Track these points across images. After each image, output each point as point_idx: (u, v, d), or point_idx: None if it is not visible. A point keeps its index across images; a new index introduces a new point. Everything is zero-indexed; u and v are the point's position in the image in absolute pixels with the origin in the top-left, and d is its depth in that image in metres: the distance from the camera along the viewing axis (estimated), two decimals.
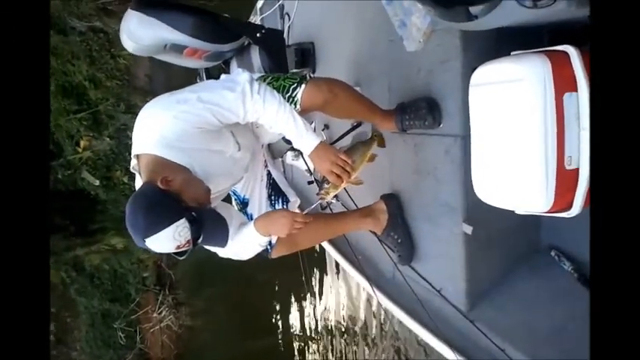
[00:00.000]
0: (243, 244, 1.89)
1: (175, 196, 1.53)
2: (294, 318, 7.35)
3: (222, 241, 1.85)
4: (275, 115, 1.68)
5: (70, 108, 7.95)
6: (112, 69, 8.02)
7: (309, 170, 2.61)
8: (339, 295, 6.05)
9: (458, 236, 1.88)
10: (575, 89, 1.34)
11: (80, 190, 8.57)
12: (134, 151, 1.65)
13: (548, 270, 1.87)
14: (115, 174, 8.56)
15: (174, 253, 1.56)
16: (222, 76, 1.89)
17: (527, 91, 1.35)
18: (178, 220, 1.49)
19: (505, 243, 1.93)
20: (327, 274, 6.13)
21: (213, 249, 1.91)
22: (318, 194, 1.91)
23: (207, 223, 1.60)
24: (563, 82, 1.34)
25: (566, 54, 1.37)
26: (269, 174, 2.19)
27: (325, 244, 2.90)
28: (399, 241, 2.17)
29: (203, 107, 1.61)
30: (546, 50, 1.40)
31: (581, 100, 1.35)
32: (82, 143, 8.26)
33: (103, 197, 8.66)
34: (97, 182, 8.44)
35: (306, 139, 1.73)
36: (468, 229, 1.82)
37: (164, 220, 1.48)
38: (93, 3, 7.28)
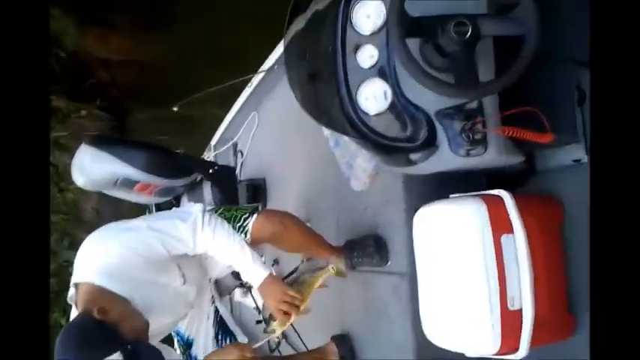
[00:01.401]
0: None
1: (111, 327, 1.45)
2: None
3: None
4: (224, 246, 1.68)
5: None
6: (59, 203, 7.85)
7: (257, 308, 2.53)
8: None
9: None
10: (512, 231, 1.40)
11: None
12: (74, 279, 1.58)
13: None
14: (53, 316, 7.93)
15: None
16: (174, 209, 1.89)
17: (465, 233, 1.40)
18: (111, 354, 1.39)
19: None
20: None
21: None
22: (265, 332, 1.83)
23: (144, 358, 1.49)
24: (500, 225, 1.40)
25: (501, 198, 1.45)
26: (216, 311, 2.11)
27: None
28: None
29: (152, 235, 1.59)
30: (482, 194, 1.47)
31: (518, 241, 1.40)
32: None
33: None
34: None
35: (254, 271, 1.72)
36: None
37: (96, 353, 1.38)
38: None
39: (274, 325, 1.79)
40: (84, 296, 1.52)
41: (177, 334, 2.00)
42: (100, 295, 1.51)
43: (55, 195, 7.77)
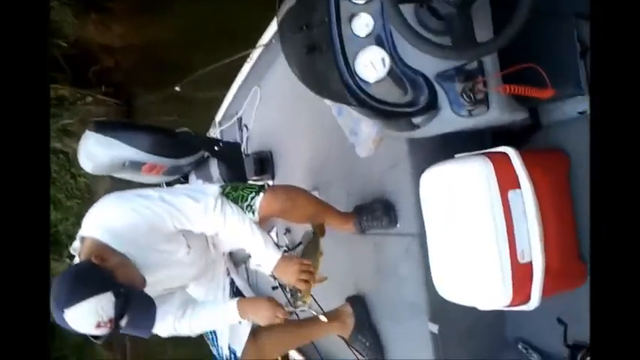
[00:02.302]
0: (208, 317, 1.85)
1: (106, 271, 1.51)
2: None
3: (147, 329, 1.65)
4: (235, 232, 1.72)
5: None
6: (72, 188, 7.92)
7: (273, 275, 2.58)
8: None
9: (425, 336, 1.86)
10: (519, 186, 1.43)
11: None
12: (81, 232, 1.63)
13: None
14: None
15: (92, 335, 1.48)
16: (187, 185, 1.92)
17: (472, 191, 1.43)
18: (104, 292, 1.44)
19: (473, 339, 1.92)
20: None
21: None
22: (294, 306, 1.87)
23: (135, 303, 1.51)
24: (506, 181, 1.42)
25: (506, 154, 1.47)
26: (232, 282, 2.16)
27: (293, 354, 2.80)
28: (368, 344, 2.13)
29: (162, 207, 1.63)
30: (487, 152, 1.50)
31: (525, 195, 1.42)
32: None
33: None
34: None
35: (266, 255, 1.75)
36: (434, 328, 1.81)
37: (89, 290, 1.43)
38: (53, 125, 7.34)
39: (301, 296, 1.83)
40: (87, 248, 1.58)
41: None
42: (101, 248, 1.57)
43: (68, 181, 7.82)
